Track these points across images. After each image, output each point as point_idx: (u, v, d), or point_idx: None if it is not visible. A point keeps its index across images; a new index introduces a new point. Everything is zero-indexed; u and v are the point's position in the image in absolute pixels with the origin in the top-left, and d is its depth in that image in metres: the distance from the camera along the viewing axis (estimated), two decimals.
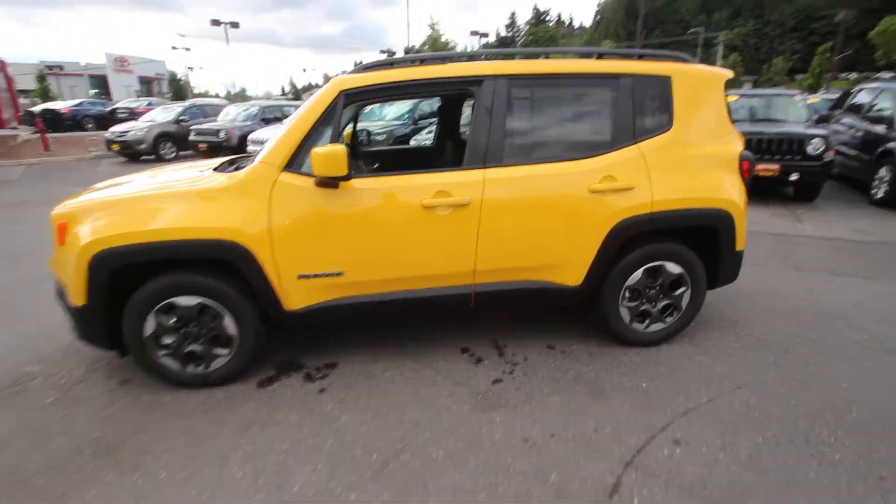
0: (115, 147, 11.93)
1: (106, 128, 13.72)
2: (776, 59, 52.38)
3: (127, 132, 11.98)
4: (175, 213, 2.24)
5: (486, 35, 32.08)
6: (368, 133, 5.51)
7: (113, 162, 12.10)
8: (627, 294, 2.67)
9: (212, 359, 2.44)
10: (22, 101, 29.02)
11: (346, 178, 2.19)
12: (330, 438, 2.10)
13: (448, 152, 3.85)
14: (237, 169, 2.53)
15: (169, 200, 2.30)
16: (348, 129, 3.72)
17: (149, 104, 20.30)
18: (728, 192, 2.59)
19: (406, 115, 9.40)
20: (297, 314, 2.43)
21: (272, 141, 2.42)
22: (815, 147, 6.18)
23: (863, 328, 3.04)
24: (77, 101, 23.65)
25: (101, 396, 2.44)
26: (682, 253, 2.63)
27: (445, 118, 4.15)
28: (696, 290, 2.71)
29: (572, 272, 2.56)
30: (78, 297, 2.27)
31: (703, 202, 2.56)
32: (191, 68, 50.92)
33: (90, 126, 20.81)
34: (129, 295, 2.29)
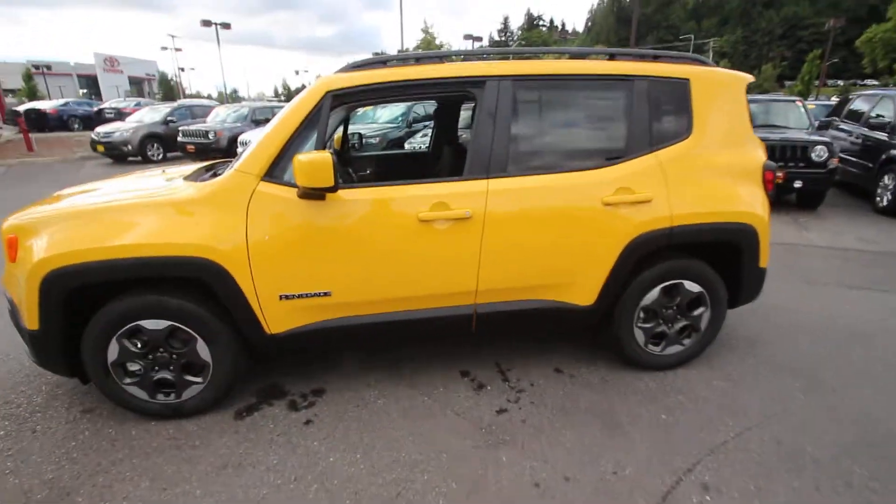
0: (101, 148, 11.56)
1: (92, 128, 13.33)
2: (765, 65, 53.00)
3: (112, 133, 11.63)
4: (138, 227, 1.99)
5: (479, 39, 31.88)
6: (361, 137, 5.27)
7: (98, 163, 11.72)
8: (642, 314, 2.46)
9: (184, 387, 2.20)
10: (9, 100, 28.44)
11: (333, 189, 1.96)
12: (315, 483, 1.86)
13: (445, 158, 3.63)
14: (214, 176, 2.29)
15: (132, 212, 2.05)
16: (338, 134, 3.49)
17: (136, 104, 19.90)
18: (752, 204, 2.38)
19: (400, 118, 9.15)
20: (279, 338, 2.19)
21: (250, 147, 2.17)
22: (819, 154, 6.05)
23: (888, 348, 2.85)
24: (63, 100, 23.17)
25: (60, 428, 2.19)
26: (701, 271, 2.43)
27: (442, 121, 3.92)
28: (716, 310, 2.50)
29: (584, 291, 2.35)
30: (31, 321, 2.01)
31: (726, 216, 2.35)
32: (182, 69, 50.34)
33: (76, 126, 20.39)
34: (91, 316, 2.04)
